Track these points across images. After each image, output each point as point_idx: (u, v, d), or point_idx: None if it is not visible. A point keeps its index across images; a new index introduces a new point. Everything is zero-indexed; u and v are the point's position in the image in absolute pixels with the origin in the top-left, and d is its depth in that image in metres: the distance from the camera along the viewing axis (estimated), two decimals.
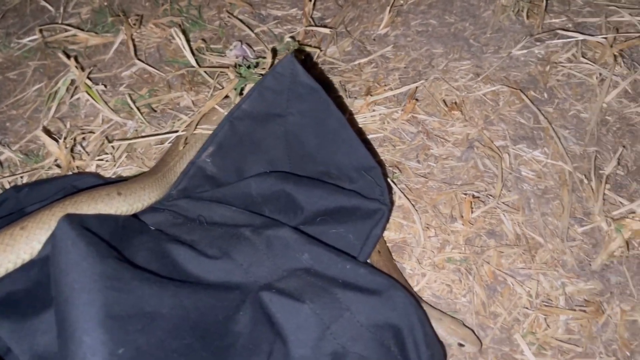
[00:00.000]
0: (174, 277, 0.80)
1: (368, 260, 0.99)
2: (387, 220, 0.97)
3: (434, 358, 0.80)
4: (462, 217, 1.04)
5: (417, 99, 1.23)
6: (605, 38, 1.27)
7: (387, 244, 1.03)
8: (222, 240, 0.89)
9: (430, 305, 0.93)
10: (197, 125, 1.14)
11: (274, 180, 0.98)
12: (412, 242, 1.03)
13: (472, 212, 1.05)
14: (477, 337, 0.89)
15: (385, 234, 1.05)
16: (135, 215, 0.96)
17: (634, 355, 0.90)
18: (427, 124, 1.20)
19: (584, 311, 0.92)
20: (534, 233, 1.03)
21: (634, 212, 0.97)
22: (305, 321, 0.80)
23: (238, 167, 1.04)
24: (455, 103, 1.21)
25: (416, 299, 0.88)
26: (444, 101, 1.22)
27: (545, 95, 1.24)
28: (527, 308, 0.93)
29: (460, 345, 0.88)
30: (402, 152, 1.16)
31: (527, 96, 1.22)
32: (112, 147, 1.22)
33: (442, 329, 0.89)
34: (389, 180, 1.08)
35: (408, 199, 1.07)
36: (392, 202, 1.01)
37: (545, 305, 0.93)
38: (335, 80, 1.30)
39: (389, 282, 0.86)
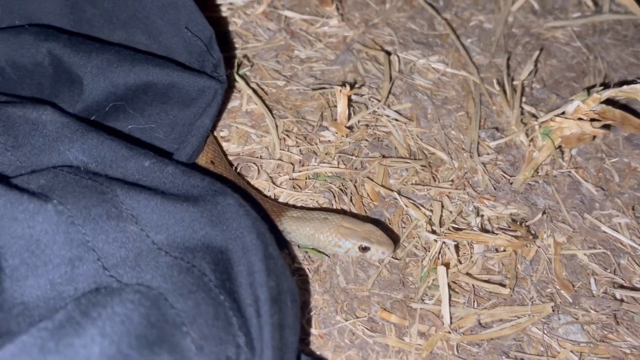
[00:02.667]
0: None
1: None
2: (220, 105, 0.63)
3: (280, 291, 0.45)
4: (335, 121, 0.72)
5: None
6: None
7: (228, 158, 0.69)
8: None
9: (308, 208, 0.61)
10: None
11: (31, 37, 0.60)
12: (263, 154, 0.69)
13: (350, 116, 0.73)
14: (387, 234, 0.57)
15: (224, 145, 0.70)
16: None
17: (577, 300, 0.61)
18: (292, 22, 0.89)
19: (516, 237, 0.62)
20: (434, 147, 0.74)
21: (563, 114, 0.71)
22: (45, 233, 0.43)
23: None
24: None
25: (258, 211, 0.54)
26: None
27: (441, 3, 0.98)
28: (432, 233, 0.61)
29: (364, 250, 0.56)
30: (256, 51, 0.83)
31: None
32: None
33: (330, 232, 0.56)
34: (234, 73, 0.74)
35: (261, 98, 0.74)
36: (230, 81, 0.67)
37: (456, 229, 0.62)
38: None
39: (214, 186, 0.52)
